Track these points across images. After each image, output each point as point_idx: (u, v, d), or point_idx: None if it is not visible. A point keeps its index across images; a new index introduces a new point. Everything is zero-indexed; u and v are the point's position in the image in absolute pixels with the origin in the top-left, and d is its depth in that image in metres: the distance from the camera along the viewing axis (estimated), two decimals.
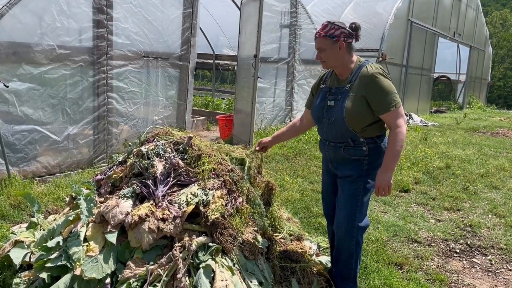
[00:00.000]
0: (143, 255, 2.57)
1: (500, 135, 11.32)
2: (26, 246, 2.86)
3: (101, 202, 2.83)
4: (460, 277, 3.47)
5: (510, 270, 3.66)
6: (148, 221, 2.56)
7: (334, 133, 2.69)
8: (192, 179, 2.84)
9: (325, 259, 3.26)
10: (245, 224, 2.87)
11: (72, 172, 5.10)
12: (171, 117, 6.45)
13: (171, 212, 2.63)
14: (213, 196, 2.72)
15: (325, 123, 2.72)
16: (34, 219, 3.19)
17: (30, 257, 2.77)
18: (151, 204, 2.67)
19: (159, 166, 2.83)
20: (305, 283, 2.85)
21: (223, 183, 2.84)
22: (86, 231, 2.62)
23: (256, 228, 2.96)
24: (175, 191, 2.81)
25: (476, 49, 20.44)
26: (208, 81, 22.85)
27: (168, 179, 2.82)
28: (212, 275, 2.46)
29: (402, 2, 12.33)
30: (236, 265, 2.62)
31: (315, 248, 3.36)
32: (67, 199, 3.53)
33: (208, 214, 2.62)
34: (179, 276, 2.42)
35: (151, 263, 2.51)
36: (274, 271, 2.83)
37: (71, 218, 2.71)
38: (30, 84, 4.64)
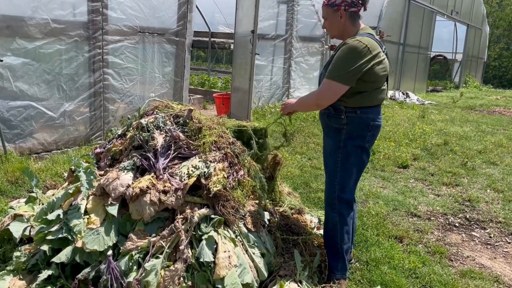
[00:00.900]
0: (145, 227, 2.55)
1: (497, 113, 11.34)
2: (25, 220, 2.83)
3: (100, 176, 2.79)
4: (459, 250, 3.49)
5: (508, 242, 3.69)
6: (150, 193, 2.54)
7: None
8: (193, 152, 2.81)
9: None
10: (247, 197, 2.85)
11: (69, 149, 5.05)
12: (167, 94, 6.37)
13: (172, 185, 2.60)
14: (215, 168, 2.69)
15: None
16: (33, 194, 3.15)
17: (30, 231, 2.75)
18: (152, 176, 2.64)
19: (159, 139, 2.79)
20: (307, 255, 2.85)
21: (224, 155, 2.81)
22: (86, 204, 2.60)
23: (257, 201, 2.94)
24: (175, 164, 2.78)
25: (473, 28, 20.30)
26: (203, 61, 22.63)
27: (169, 151, 2.78)
28: (215, 246, 2.45)
29: None
30: (238, 237, 2.61)
31: (316, 221, 3.36)
32: (66, 174, 3.49)
33: (210, 186, 2.60)
34: (181, 247, 2.41)
35: (153, 235, 2.49)
36: (276, 243, 2.83)
37: (70, 191, 2.67)
38: (25, 59, 4.55)
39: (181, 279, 2.37)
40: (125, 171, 2.67)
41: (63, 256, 2.42)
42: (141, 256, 2.44)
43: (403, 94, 12.87)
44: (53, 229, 2.53)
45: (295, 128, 6.96)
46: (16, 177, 3.99)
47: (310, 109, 2.92)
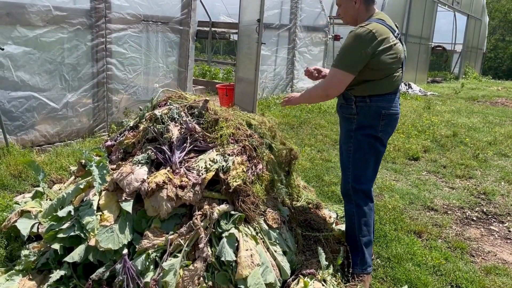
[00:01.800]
0: (161, 224, 2.42)
1: (499, 104, 11.24)
2: (33, 216, 2.69)
3: (112, 170, 2.65)
4: (479, 245, 3.38)
5: None
6: (166, 188, 2.40)
7: None
8: (209, 145, 2.67)
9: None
10: (266, 192, 2.73)
11: (72, 141, 4.90)
12: (172, 85, 6.21)
13: (189, 179, 2.46)
14: (233, 162, 2.56)
15: None
16: (40, 188, 3.01)
17: (38, 228, 2.62)
18: (168, 170, 2.50)
19: (174, 131, 2.65)
20: (329, 252, 2.73)
21: (243, 148, 2.67)
22: (99, 200, 2.46)
23: (276, 196, 2.82)
24: (192, 158, 2.64)
25: (473, 18, 20.14)
26: (199, 52, 22.38)
27: (185, 144, 2.64)
28: (236, 244, 2.33)
29: None
30: (259, 234, 2.49)
31: (335, 216, 3.24)
32: (72, 168, 3.35)
33: (230, 181, 2.47)
34: (201, 245, 2.28)
35: (170, 232, 2.36)
36: (297, 240, 2.71)
37: (81, 187, 2.53)
38: (26, 48, 4.38)
39: (201, 279, 2.25)
40: (139, 165, 2.53)
41: (76, 255, 2.29)
42: (158, 255, 2.31)
43: (406, 85, 12.74)
44: (64, 226, 2.40)
45: (301, 120, 6.83)
46: (19, 171, 3.84)
47: (318, 100, 2.84)
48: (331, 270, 2.56)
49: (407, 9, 13.02)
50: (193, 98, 3.00)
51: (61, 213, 2.45)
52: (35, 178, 3.65)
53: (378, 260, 2.97)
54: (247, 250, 2.31)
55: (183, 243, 2.31)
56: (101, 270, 2.28)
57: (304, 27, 8.91)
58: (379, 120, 2.55)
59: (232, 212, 2.45)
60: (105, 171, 2.47)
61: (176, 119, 2.72)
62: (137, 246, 2.34)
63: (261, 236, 2.49)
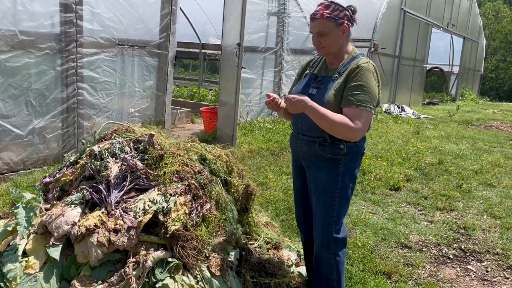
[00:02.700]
0: (92, 272, 2.22)
1: (494, 128, 11.07)
2: None
3: (47, 209, 2.47)
4: (453, 287, 3.16)
5: (507, 278, 3.37)
6: (97, 232, 2.22)
7: (311, 125, 2.30)
8: (151, 183, 2.49)
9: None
10: (213, 234, 2.53)
11: (37, 169, 4.72)
12: (149, 109, 6.07)
13: (125, 222, 2.28)
14: (175, 203, 2.38)
15: (302, 113, 2.32)
16: None
17: None
18: (103, 212, 2.31)
19: (113, 168, 2.47)
20: None
21: (187, 187, 2.49)
22: (26, 244, 2.27)
23: (226, 238, 2.62)
24: (132, 197, 2.46)
25: (470, 40, 20.14)
26: (193, 71, 22.30)
27: (124, 183, 2.46)
28: None
29: None
30: (200, 283, 2.28)
31: (295, 257, 3.03)
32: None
33: (168, 225, 2.28)
34: None
35: (99, 282, 2.17)
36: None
37: (10, 229, 2.35)
38: None
39: None
40: (72, 205, 2.35)
41: None
42: None
43: (398, 107, 12.60)
44: None
45: (283, 145, 6.66)
46: None
47: (338, 133, 2.20)
48: None
49: (400, 31, 12.97)
50: (142, 131, 2.83)
51: None
52: None
53: None
54: None
55: None
56: None
57: (291, 50, 8.81)
58: (360, 159, 2.40)
59: (169, 259, 2.26)
60: (32, 214, 2.29)
61: (117, 155, 2.55)
62: None
63: (202, 285, 2.29)
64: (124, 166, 2.50)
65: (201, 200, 2.50)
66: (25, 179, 4.32)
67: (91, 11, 5.04)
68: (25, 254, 2.25)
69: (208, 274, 2.32)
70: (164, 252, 2.25)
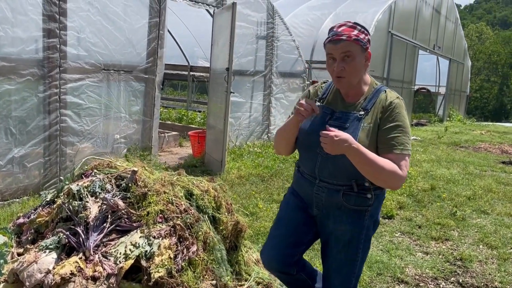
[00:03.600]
0: None
1: (482, 149, 11.07)
2: None
3: (20, 254, 2.28)
4: None
5: None
6: (74, 281, 2.03)
7: (333, 172, 2.04)
8: (134, 225, 2.33)
9: None
10: (200, 278, 2.36)
11: (17, 200, 4.51)
12: (135, 135, 5.91)
13: (104, 269, 2.10)
14: (159, 246, 2.21)
15: (320, 155, 2.05)
16: None
17: None
18: (80, 258, 2.14)
19: (93, 209, 2.31)
20: None
21: (172, 228, 2.33)
22: None
23: (214, 282, 2.46)
24: (113, 239, 2.29)
25: (456, 62, 20.43)
26: (182, 91, 22.22)
27: (104, 224, 2.29)
28: None
29: (382, 14, 12.08)
30: None
31: None
32: None
33: (151, 271, 2.11)
34: None
35: None
36: None
37: None
38: None
39: None
40: (47, 250, 2.17)
41: None
42: None
43: None
44: None
45: (274, 171, 6.52)
46: None
47: (381, 181, 1.95)
48: None
49: (388, 53, 13.06)
50: (125, 166, 2.68)
51: None
52: None
53: None
54: None
55: None
56: None
57: (280, 73, 8.76)
58: (381, 206, 2.19)
59: None
60: (2, 261, 2.10)
61: (97, 193, 2.39)
62: None
63: None
64: (105, 206, 2.33)
65: (187, 242, 2.34)
66: (3, 211, 4.11)
67: (76, 36, 4.92)
68: None
69: None
70: None
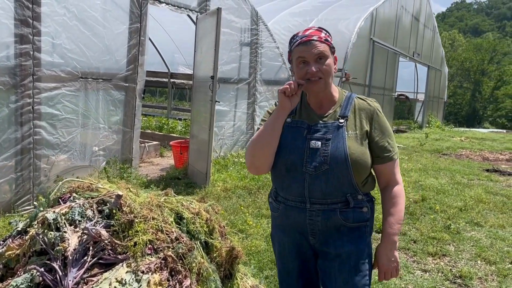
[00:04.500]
0: None
1: (464, 157, 11.11)
2: None
3: None
4: None
5: None
6: None
7: (326, 190, 1.82)
8: (119, 257, 2.05)
9: None
10: None
11: None
12: (115, 146, 5.59)
13: None
14: (148, 282, 1.94)
15: (307, 173, 1.83)
16: None
17: None
18: None
19: (72, 240, 2.02)
20: None
21: (163, 261, 2.06)
22: None
23: None
24: (95, 275, 2.00)
25: (434, 69, 20.68)
26: (166, 98, 21.88)
27: (85, 258, 2.01)
28: None
29: (364, 21, 12.05)
30: None
31: None
32: None
33: None
34: None
35: None
36: None
37: None
38: None
39: None
40: None
41: None
42: None
43: None
44: None
45: (261, 183, 6.28)
46: None
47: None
48: None
49: (370, 60, 13.03)
50: (108, 188, 2.39)
51: None
52: None
53: None
54: None
55: None
56: None
57: (264, 80, 8.56)
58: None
59: None
60: None
61: (77, 222, 2.10)
62: None
63: None
64: (86, 236, 2.05)
65: (180, 276, 2.07)
66: None
67: (51, 42, 4.60)
68: None
69: None
70: None
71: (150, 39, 11.63)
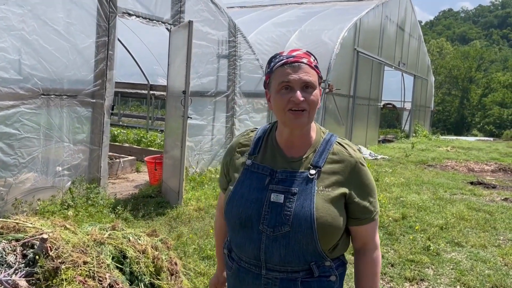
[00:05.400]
0: None
1: (450, 168, 11.00)
2: None
3: None
4: None
5: None
6: None
7: (286, 256, 1.49)
8: None
9: None
10: None
11: None
12: (81, 165, 5.33)
13: None
14: None
15: (264, 233, 1.50)
16: None
17: None
18: None
19: None
20: None
21: None
22: None
23: None
24: None
25: (420, 78, 20.69)
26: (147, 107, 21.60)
27: None
28: None
29: (348, 31, 11.93)
30: None
31: None
32: None
33: None
34: None
35: None
36: None
37: None
38: None
39: None
40: None
41: None
42: None
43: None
44: None
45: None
46: None
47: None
48: None
49: (354, 71, 12.91)
50: (37, 227, 2.16)
51: None
52: None
53: None
54: None
55: None
56: None
57: (244, 93, 8.36)
58: None
59: None
60: None
61: None
62: None
63: None
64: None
65: None
66: None
67: (7, 58, 4.36)
68: None
69: None
70: None
71: (128, 51, 11.42)
